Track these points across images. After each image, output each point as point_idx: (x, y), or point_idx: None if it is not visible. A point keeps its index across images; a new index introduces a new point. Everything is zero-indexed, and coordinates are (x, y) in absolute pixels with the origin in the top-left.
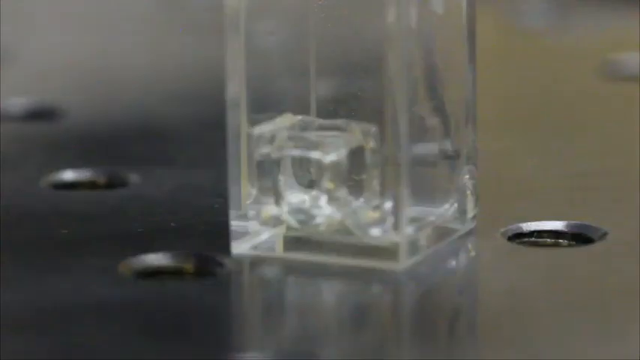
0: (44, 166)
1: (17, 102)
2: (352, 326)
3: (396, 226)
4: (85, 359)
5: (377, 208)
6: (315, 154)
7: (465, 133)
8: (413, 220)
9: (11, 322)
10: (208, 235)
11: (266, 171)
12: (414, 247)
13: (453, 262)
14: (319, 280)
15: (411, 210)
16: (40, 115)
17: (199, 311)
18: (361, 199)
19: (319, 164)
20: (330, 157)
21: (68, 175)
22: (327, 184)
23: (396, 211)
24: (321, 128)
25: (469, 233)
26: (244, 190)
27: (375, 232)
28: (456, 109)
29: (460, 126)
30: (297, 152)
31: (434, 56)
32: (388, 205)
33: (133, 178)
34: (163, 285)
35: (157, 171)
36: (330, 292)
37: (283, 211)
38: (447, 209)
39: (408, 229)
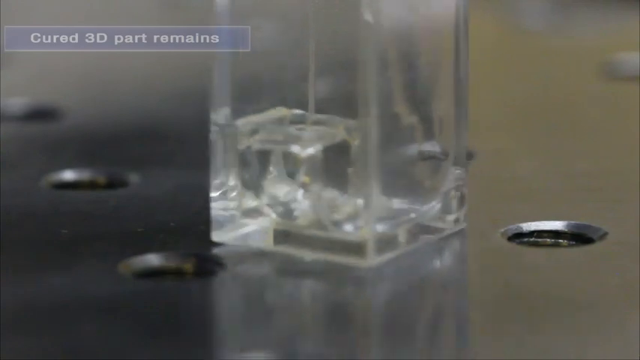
0: (44, 166)
1: (17, 102)
2: (311, 325)
3: (364, 223)
4: (85, 359)
5: (351, 203)
6: (292, 148)
7: (453, 135)
8: (390, 217)
9: (11, 321)
10: (208, 235)
11: (247, 163)
12: (387, 244)
13: (453, 262)
14: (293, 276)
15: (385, 207)
16: (40, 115)
17: (198, 311)
18: (339, 195)
19: (295, 158)
20: (306, 151)
21: (68, 175)
22: (303, 177)
23: (364, 207)
24: (306, 122)
25: (458, 234)
26: (227, 182)
27: (348, 227)
28: (443, 110)
29: (447, 127)
30: (274, 145)
31: (415, 56)
32: (360, 201)
33: (133, 178)
34: (163, 285)
35: (157, 171)
36: (301, 288)
37: (263, 203)
38: (430, 208)
39: (380, 227)
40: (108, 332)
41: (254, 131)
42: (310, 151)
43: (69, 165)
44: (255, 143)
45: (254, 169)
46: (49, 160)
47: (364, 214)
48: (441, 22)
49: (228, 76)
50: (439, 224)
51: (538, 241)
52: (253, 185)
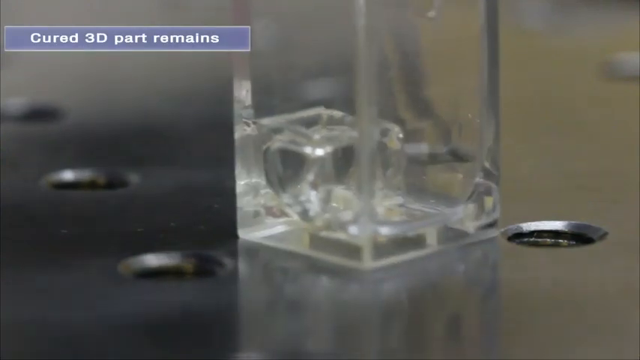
0: (44, 166)
1: (17, 102)
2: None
3: (363, 226)
4: (85, 359)
5: (355, 205)
6: (304, 149)
7: (479, 141)
8: (400, 220)
9: (11, 321)
10: (208, 235)
11: (269, 161)
12: (394, 247)
13: (453, 262)
14: (296, 276)
15: (394, 210)
16: (40, 115)
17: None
18: (348, 196)
19: (307, 159)
20: (316, 153)
21: (68, 175)
22: (314, 178)
23: (363, 210)
24: (335, 123)
25: (483, 240)
26: (251, 180)
27: (353, 229)
28: (463, 116)
29: (467, 130)
30: (289, 145)
31: (420, 60)
32: (359, 203)
33: (133, 178)
34: (163, 285)
35: (157, 171)
36: (301, 289)
37: (283, 202)
38: (451, 213)
39: (386, 229)
40: (108, 332)
41: (277, 130)
42: (320, 152)
43: (69, 165)
44: (275, 142)
45: (274, 168)
46: (49, 160)
47: (363, 217)
48: (462, 30)
49: (249, 73)
50: (463, 230)
51: (538, 241)
52: (275, 184)
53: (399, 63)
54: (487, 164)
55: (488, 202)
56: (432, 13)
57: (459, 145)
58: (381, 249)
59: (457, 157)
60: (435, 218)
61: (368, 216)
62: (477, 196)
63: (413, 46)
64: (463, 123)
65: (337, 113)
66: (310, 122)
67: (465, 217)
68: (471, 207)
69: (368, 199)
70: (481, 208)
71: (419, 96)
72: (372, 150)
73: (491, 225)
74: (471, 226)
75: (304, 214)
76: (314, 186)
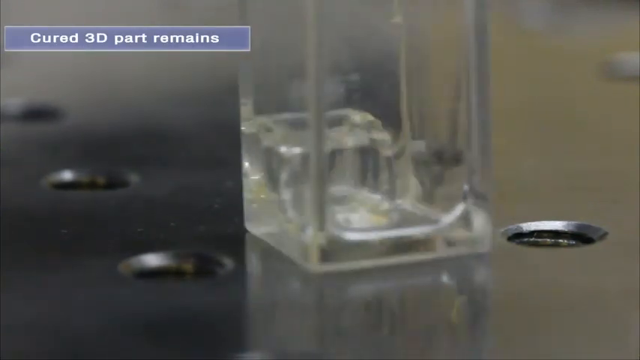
0: (44, 166)
1: (17, 102)
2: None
3: (312, 229)
4: (85, 359)
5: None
6: (280, 149)
7: (467, 144)
8: (386, 225)
9: (11, 321)
10: (208, 235)
11: (263, 161)
12: (346, 249)
13: (452, 262)
14: (293, 276)
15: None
16: (40, 115)
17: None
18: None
19: (282, 158)
20: (290, 153)
21: (68, 175)
22: (286, 178)
23: (313, 212)
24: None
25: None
26: (255, 177)
27: (309, 231)
28: (449, 120)
29: (445, 134)
30: (271, 145)
31: (403, 64)
32: (310, 206)
33: (133, 178)
34: (163, 285)
35: (157, 171)
36: (299, 288)
37: (275, 200)
38: (443, 218)
39: (354, 235)
40: (108, 332)
41: (269, 129)
42: (291, 152)
43: (69, 165)
44: (265, 141)
45: (265, 166)
46: (49, 160)
47: (313, 220)
48: (448, 32)
49: (252, 72)
50: (449, 238)
51: (538, 241)
52: (268, 183)
53: (355, 66)
54: (477, 171)
55: (476, 212)
56: (397, 19)
57: (447, 150)
58: (336, 253)
59: (446, 162)
60: (422, 224)
61: (318, 220)
62: (466, 203)
63: (389, 49)
64: (452, 128)
65: (366, 116)
66: (333, 123)
67: (452, 224)
68: (459, 213)
69: (318, 202)
70: (469, 216)
71: (402, 102)
72: (323, 154)
73: (478, 237)
74: (456, 234)
75: (284, 214)
76: (286, 186)
